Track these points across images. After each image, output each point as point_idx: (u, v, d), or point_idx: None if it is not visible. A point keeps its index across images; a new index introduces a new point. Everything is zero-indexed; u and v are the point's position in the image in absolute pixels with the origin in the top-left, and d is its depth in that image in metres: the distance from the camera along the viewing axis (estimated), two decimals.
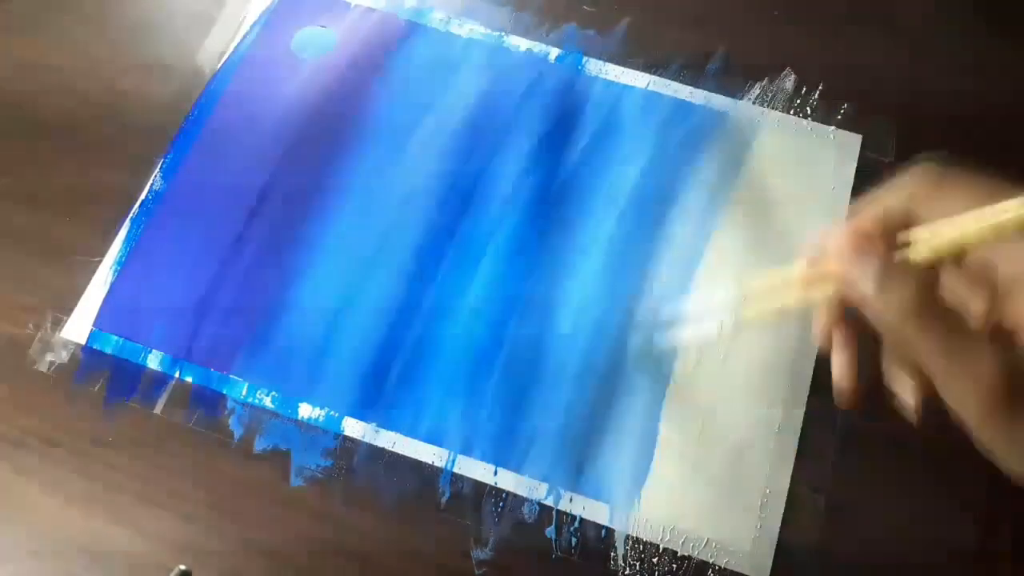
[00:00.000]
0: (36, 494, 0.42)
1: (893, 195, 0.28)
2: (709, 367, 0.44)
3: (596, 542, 0.41)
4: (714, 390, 0.44)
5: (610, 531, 0.41)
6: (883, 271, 0.25)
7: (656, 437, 0.43)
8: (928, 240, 0.26)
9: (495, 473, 0.42)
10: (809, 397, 0.43)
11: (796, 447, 0.42)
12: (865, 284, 0.26)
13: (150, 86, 0.51)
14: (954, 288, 0.27)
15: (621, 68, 0.51)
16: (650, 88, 0.50)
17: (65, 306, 0.45)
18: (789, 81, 0.51)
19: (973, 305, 0.27)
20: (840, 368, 0.30)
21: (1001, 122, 0.49)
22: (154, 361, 0.44)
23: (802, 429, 0.43)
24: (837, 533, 0.41)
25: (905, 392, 0.29)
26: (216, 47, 0.52)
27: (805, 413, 0.43)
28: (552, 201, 0.47)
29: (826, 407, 0.43)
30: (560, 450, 0.42)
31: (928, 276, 0.25)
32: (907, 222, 0.27)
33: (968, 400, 0.24)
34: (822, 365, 0.44)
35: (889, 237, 0.26)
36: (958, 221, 0.25)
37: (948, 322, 0.24)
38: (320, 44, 0.51)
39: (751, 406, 0.43)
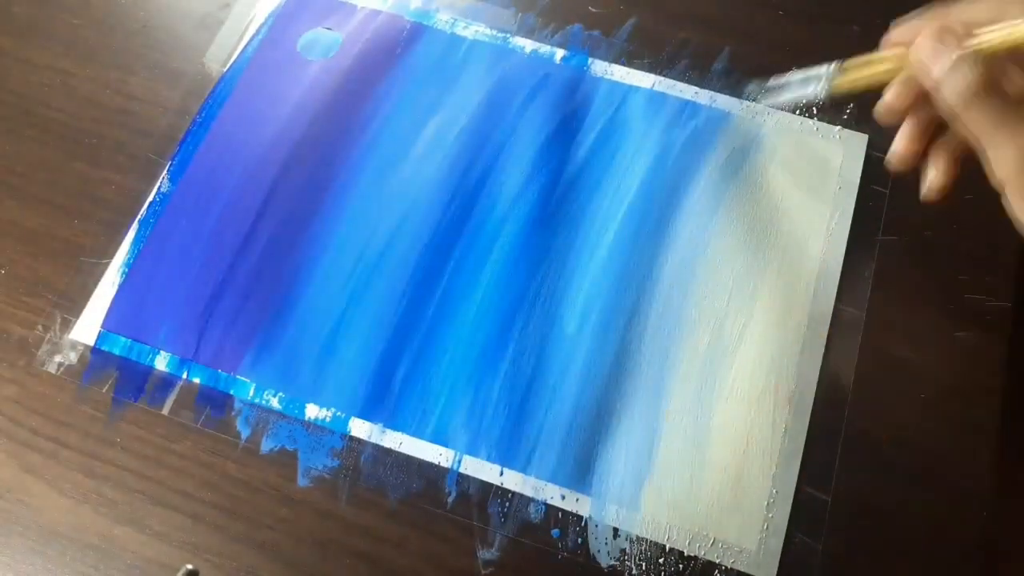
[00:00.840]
0: (44, 493, 0.42)
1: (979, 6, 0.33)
2: (716, 367, 0.44)
3: (602, 542, 0.41)
4: (720, 390, 0.43)
5: (616, 531, 0.41)
6: (955, 60, 0.31)
7: (662, 437, 0.43)
8: (992, 36, 0.32)
9: (501, 473, 0.42)
10: (815, 397, 0.43)
11: (803, 447, 0.42)
12: (939, 69, 0.32)
13: (157, 88, 0.51)
14: (1012, 77, 0.33)
15: (626, 68, 0.51)
16: (656, 88, 0.50)
17: (73, 307, 0.46)
18: None
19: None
20: (903, 135, 0.37)
21: None
22: (162, 362, 0.44)
23: (808, 430, 0.43)
24: (844, 534, 0.41)
25: (940, 168, 0.36)
26: (223, 49, 0.52)
27: (812, 413, 0.43)
28: (558, 201, 0.47)
29: (833, 408, 0.43)
30: (566, 450, 0.42)
31: (990, 65, 0.31)
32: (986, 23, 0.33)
33: (1008, 165, 0.31)
34: (828, 366, 0.44)
35: (964, 33, 0.32)
36: (1016, 26, 0.32)
37: (1001, 101, 0.31)
38: (326, 46, 0.52)
39: (757, 406, 0.43)
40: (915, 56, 0.33)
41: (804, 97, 0.39)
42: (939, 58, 0.32)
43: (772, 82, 0.41)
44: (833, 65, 0.37)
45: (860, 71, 0.37)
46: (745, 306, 0.45)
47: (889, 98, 0.36)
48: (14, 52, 0.52)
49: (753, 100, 0.48)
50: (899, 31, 0.35)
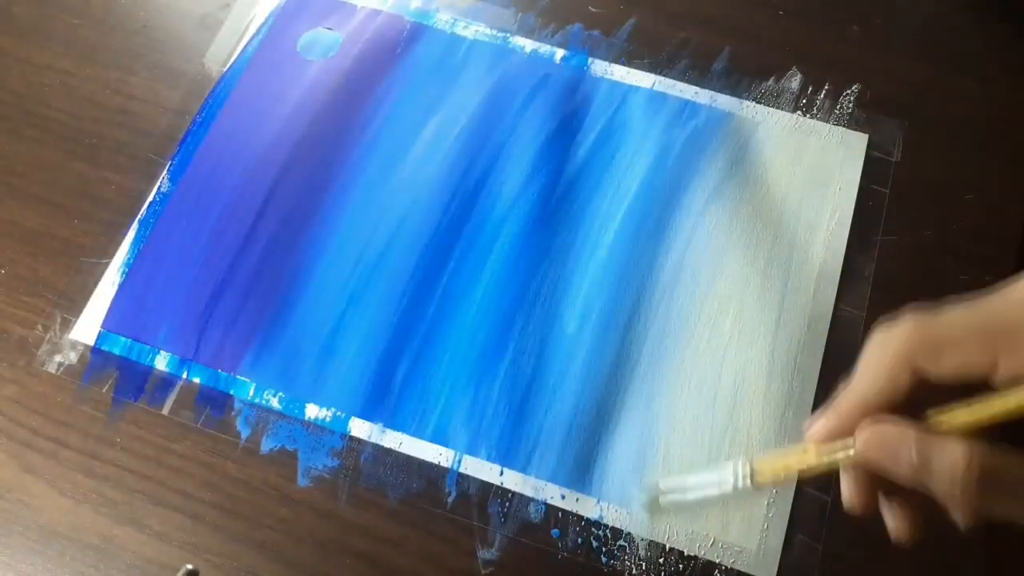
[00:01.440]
0: (44, 493, 0.42)
1: (886, 368, 0.28)
2: (715, 367, 0.44)
3: (602, 541, 0.41)
4: (720, 390, 0.43)
5: (616, 531, 0.41)
6: (924, 451, 0.26)
7: (662, 437, 0.43)
8: (951, 417, 0.27)
9: (501, 473, 0.42)
10: (815, 399, 0.43)
11: None
12: (908, 467, 0.27)
13: (157, 88, 0.51)
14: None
15: (626, 68, 0.51)
16: (656, 88, 0.50)
17: (73, 307, 0.46)
18: (795, 80, 0.51)
19: None
20: (850, 487, 0.30)
21: (1010, 123, 0.49)
22: (162, 362, 0.44)
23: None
24: (844, 534, 0.41)
25: (901, 517, 0.30)
26: (223, 50, 0.52)
27: (811, 413, 0.43)
28: (558, 201, 0.47)
29: None
30: (566, 450, 0.42)
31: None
32: (913, 385, 0.28)
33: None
34: (828, 366, 0.44)
35: (903, 411, 0.28)
36: (975, 407, 0.27)
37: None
38: (326, 46, 0.52)
39: (757, 406, 0.43)
40: (874, 449, 0.28)
41: (711, 499, 0.32)
42: (898, 457, 0.27)
43: (667, 486, 0.33)
44: (741, 462, 0.31)
45: (776, 464, 0.31)
46: (745, 306, 0.45)
47: (849, 498, 0.30)
48: (14, 52, 0.52)
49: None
50: (825, 424, 0.29)
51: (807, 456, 0.30)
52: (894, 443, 0.27)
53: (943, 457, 0.26)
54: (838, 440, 0.29)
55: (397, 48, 0.51)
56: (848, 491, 0.30)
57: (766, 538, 0.41)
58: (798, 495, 0.42)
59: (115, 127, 0.50)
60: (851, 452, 0.28)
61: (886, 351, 0.28)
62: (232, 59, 0.52)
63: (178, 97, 0.51)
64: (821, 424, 0.30)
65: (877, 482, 0.29)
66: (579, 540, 0.41)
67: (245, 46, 0.52)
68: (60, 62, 0.52)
